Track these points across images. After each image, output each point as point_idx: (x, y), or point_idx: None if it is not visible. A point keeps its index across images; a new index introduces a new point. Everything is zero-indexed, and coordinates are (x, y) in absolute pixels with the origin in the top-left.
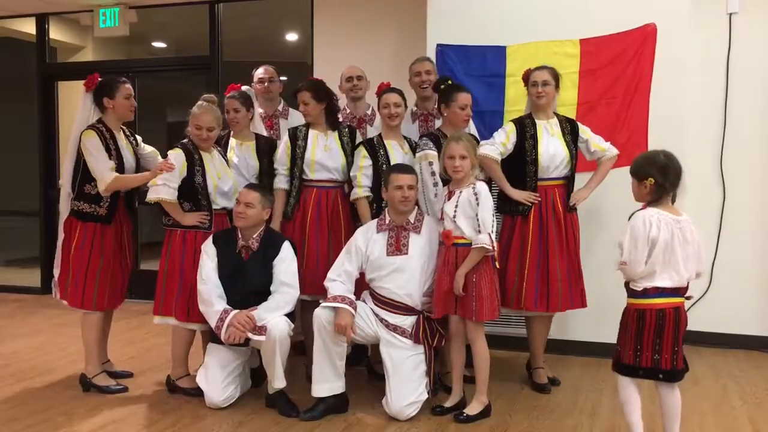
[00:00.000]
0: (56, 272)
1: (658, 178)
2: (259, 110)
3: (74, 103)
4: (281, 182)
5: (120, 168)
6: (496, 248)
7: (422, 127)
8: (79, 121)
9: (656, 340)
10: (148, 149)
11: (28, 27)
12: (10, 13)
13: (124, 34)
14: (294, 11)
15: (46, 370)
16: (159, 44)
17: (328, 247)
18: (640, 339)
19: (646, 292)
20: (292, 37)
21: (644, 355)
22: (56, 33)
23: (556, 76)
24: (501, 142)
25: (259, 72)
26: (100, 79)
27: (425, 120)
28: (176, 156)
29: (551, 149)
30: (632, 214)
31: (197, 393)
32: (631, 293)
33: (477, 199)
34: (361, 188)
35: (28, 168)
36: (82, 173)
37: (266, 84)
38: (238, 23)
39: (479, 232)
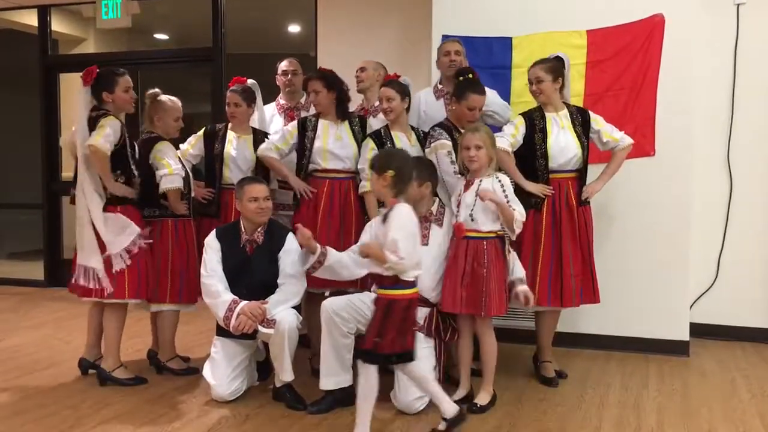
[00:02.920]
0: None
1: (398, 170)
2: (281, 101)
3: (76, 96)
4: (270, 151)
5: (133, 155)
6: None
7: (448, 105)
8: (80, 117)
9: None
10: None
11: (30, 19)
12: (12, 5)
13: (126, 26)
14: (298, 3)
15: (51, 364)
16: (161, 36)
17: (339, 240)
18: (405, 326)
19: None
20: (295, 28)
21: (408, 339)
22: (58, 25)
23: (553, 69)
24: (511, 134)
25: (283, 64)
26: (98, 71)
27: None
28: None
29: (561, 142)
30: (391, 210)
31: (186, 373)
32: (404, 285)
33: (504, 191)
34: (369, 181)
35: (30, 160)
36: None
37: (289, 77)
38: (241, 15)
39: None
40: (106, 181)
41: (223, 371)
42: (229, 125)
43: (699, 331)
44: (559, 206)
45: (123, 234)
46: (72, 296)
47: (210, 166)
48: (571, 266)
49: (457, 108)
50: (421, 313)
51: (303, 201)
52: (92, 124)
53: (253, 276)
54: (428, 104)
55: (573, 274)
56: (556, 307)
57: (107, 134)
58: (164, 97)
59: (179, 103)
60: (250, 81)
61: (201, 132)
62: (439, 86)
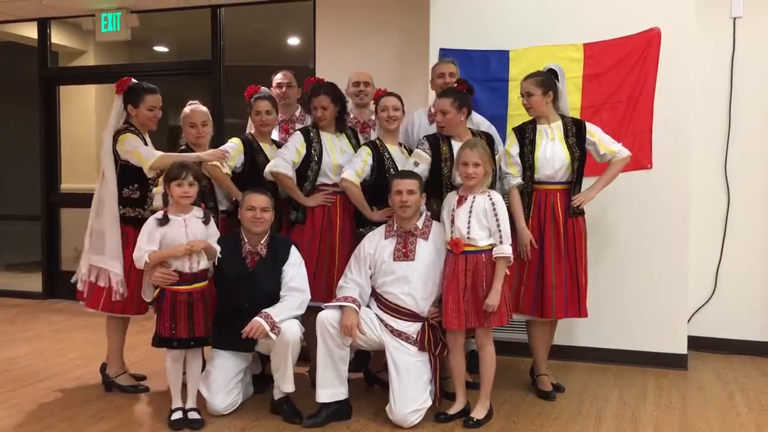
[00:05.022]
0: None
1: None
2: None
3: (76, 107)
4: (288, 170)
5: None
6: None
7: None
8: (110, 124)
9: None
10: None
11: (30, 31)
12: (12, 18)
13: (125, 39)
14: (296, 16)
15: (47, 376)
16: (161, 48)
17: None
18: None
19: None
20: (294, 41)
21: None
22: (58, 37)
23: (543, 83)
24: (514, 163)
25: (278, 77)
26: (131, 84)
27: None
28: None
29: (548, 154)
30: None
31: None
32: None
33: (494, 209)
34: (358, 176)
35: (30, 172)
36: (120, 178)
37: (284, 89)
38: (240, 27)
39: (500, 242)
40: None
41: (219, 384)
42: (254, 134)
43: (697, 344)
44: (544, 217)
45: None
46: (70, 308)
47: (255, 177)
48: (553, 278)
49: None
50: (413, 327)
51: (315, 215)
52: (116, 137)
53: (257, 289)
54: (421, 126)
55: (554, 286)
56: (536, 317)
57: (147, 151)
58: (186, 107)
59: (198, 109)
60: (263, 89)
61: (239, 145)
62: (432, 110)
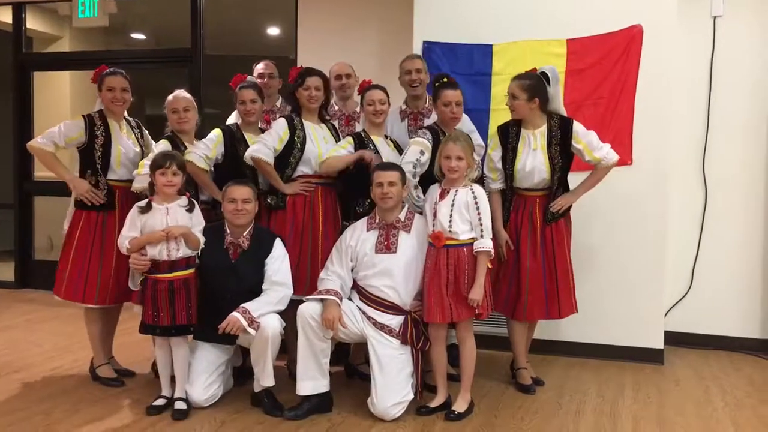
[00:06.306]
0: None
1: None
2: None
3: (50, 94)
4: (269, 156)
5: (106, 156)
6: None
7: (411, 126)
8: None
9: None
10: (151, 141)
11: (5, 16)
12: None
13: (103, 25)
14: (277, 5)
15: (21, 367)
16: (139, 36)
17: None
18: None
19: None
20: (274, 31)
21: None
22: (33, 22)
23: (529, 88)
24: (495, 168)
25: (260, 67)
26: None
27: (414, 119)
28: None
29: (527, 167)
30: None
31: None
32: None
33: (476, 202)
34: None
35: (2, 160)
36: (81, 163)
37: (265, 79)
38: (220, 16)
39: (481, 236)
40: (59, 175)
41: (199, 377)
42: (240, 124)
43: (673, 339)
44: (521, 222)
45: None
46: (43, 298)
47: (238, 169)
48: (527, 283)
49: (437, 110)
50: (396, 320)
51: (296, 208)
52: None
53: (239, 282)
54: (392, 124)
55: (528, 291)
56: (508, 316)
57: (49, 132)
58: (170, 95)
59: (180, 95)
60: (250, 78)
61: (219, 136)
62: (403, 107)
